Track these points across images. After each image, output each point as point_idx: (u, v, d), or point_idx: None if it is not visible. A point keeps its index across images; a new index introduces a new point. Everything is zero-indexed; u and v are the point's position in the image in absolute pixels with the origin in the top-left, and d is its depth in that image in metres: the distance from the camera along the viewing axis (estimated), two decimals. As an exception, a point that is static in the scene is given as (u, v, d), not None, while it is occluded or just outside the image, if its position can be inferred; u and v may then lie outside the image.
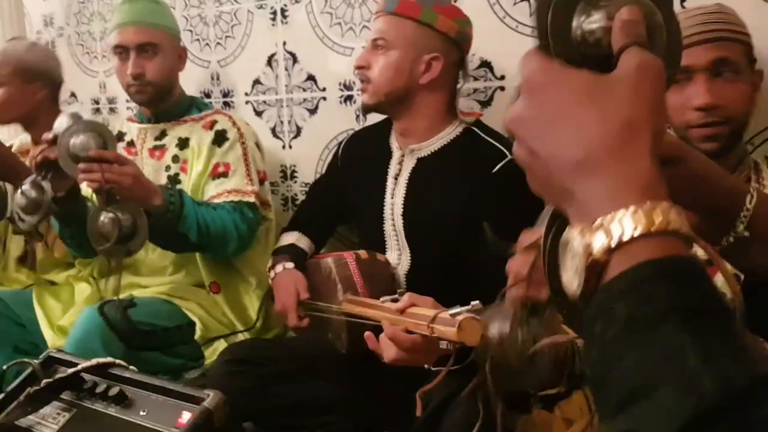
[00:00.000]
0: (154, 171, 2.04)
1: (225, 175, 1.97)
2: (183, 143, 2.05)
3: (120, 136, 2.15)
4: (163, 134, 2.09)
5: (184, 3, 2.53)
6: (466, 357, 1.16)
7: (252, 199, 1.94)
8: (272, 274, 1.73)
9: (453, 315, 1.10)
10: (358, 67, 1.63)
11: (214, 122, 2.06)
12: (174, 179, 2.03)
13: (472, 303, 1.11)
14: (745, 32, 1.33)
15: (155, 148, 2.09)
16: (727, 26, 1.30)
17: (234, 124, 2.06)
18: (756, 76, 1.36)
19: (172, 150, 2.06)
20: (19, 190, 1.71)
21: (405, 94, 1.59)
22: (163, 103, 2.08)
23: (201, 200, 1.94)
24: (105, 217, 1.63)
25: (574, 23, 0.56)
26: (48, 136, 1.70)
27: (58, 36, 3.03)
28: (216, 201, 1.92)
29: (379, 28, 1.59)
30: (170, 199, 1.77)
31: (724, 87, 1.28)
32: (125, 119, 2.25)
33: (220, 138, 2.02)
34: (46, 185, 1.70)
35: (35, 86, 2.31)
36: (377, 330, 1.31)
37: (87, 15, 2.89)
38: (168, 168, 2.05)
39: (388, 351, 1.22)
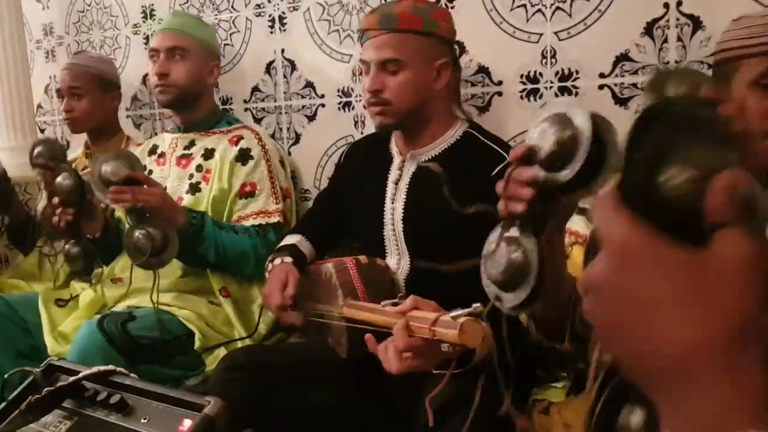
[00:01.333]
0: (178, 178, 2.13)
1: (252, 194, 2.05)
2: (208, 154, 2.12)
3: (154, 149, 2.27)
4: (192, 144, 2.18)
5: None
6: (468, 361, 1.17)
7: (277, 218, 2.03)
8: (270, 266, 1.73)
9: (454, 317, 1.10)
10: (373, 92, 1.58)
11: (240, 138, 2.12)
12: (195, 187, 2.09)
13: (474, 305, 1.12)
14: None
15: (183, 156, 2.17)
16: None
17: (260, 141, 2.12)
18: None
19: (198, 159, 2.13)
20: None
21: (423, 106, 1.59)
22: (190, 112, 2.18)
23: (225, 223, 2.01)
24: (138, 233, 1.78)
25: (662, 177, 0.45)
26: (56, 200, 1.96)
27: (58, 45, 3.04)
28: (243, 223, 2.02)
29: (383, 48, 1.55)
30: (192, 220, 1.88)
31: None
32: (161, 132, 2.36)
33: (244, 156, 2.08)
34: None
35: (111, 95, 2.54)
36: (378, 335, 1.32)
37: (87, 24, 2.90)
38: (191, 176, 2.12)
39: (393, 357, 1.23)
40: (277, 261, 1.72)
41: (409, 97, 1.57)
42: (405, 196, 1.63)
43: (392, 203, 1.64)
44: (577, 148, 0.85)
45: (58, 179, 1.98)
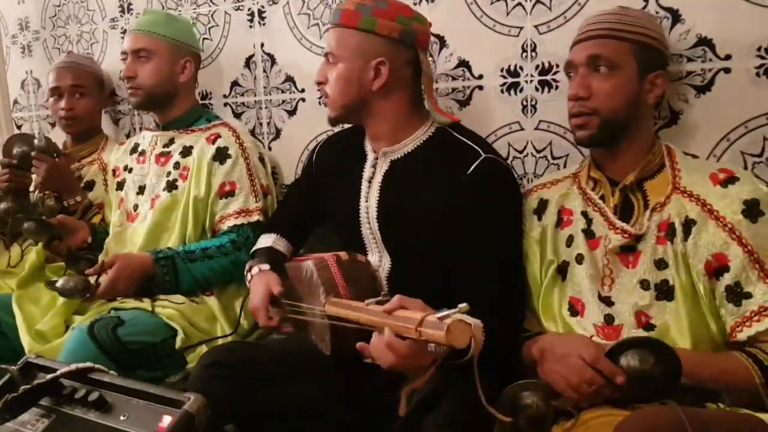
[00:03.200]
0: (156, 176, 2.15)
1: (232, 194, 2.06)
2: (186, 151, 2.13)
3: (135, 147, 2.29)
4: (171, 142, 2.19)
5: (160, 5, 2.52)
6: (458, 356, 1.17)
7: (256, 217, 2.04)
8: (249, 276, 1.72)
9: (441, 318, 1.09)
10: (318, 83, 1.63)
11: (217, 136, 2.11)
12: (172, 185, 2.10)
13: (459, 306, 1.11)
14: (636, 31, 1.43)
15: (162, 154, 2.18)
16: (610, 24, 1.44)
17: (237, 138, 2.11)
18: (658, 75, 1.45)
19: (176, 157, 2.14)
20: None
21: (360, 103, 1.58)
22: (166, 111, 2.19)
23: (196, 250, 1.99)
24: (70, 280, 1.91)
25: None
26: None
27: (34, 39, 3.00)
28: (225, 222, 2.04)
29: (328, 42, 1.59)
30: (163, 270, 1.94)
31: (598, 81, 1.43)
32: (140, 128, 2.37)
33: (221, 155, 2.08)
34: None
35: (104, 96, 2.63)
36: (361, 333, 1.31)
37: (63, 18, 2.87)
38: (168, 174, 2.13)
39: (385, 357, 1.22)
40: (255, 270, 1.72)
41: (341, 91, 1.57)
42: (378, 194, 1.61)
43: (366, 201, 1.63)
44: None
45: (25, 225, 2.08)
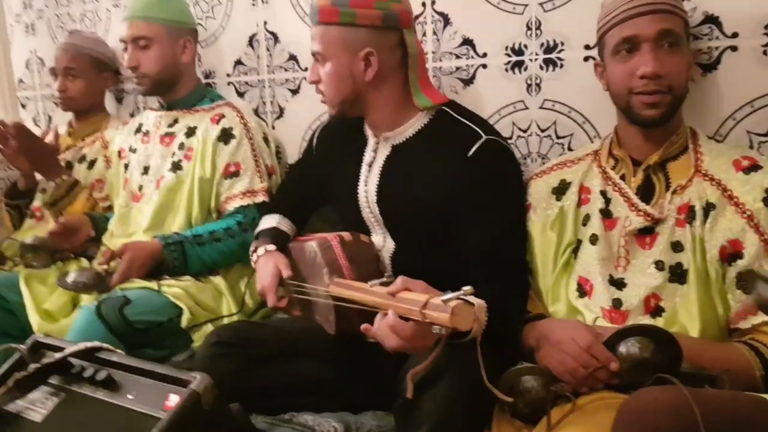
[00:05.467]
0: (161, 156, 2.15)
1: (237, 174, 2.06)
2: (190, 132, 2.13)
3: (139, 128, 2.28)
4: (175, 122, 2.19)
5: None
6: (461, 334, 1.18)
7: (262, 198, 2.04)
8: (254, 257, 1.73)
9: (445, 301, 1.10)
10: (312, 83, 1.63)
11: (221, 116, 2.11)
12: (177, 165, 2.11)
13: (464, 288, 1.12)
14: (683, 7, 1.41)
15: (166, 134, 2.18)
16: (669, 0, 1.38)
17: (242, 119, 2.11)
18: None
19: (180, 137, 2.14)
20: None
21: (357, 96, 1.57)
22: (172, 93, 2.18)
23: (204, 233, 2.01)
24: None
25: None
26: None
27: (38, 18, 2.99)
28: (231, 203, 2.04)
29: (312, 41, 1.58)
30: (173, 255, 1.96)
31: (668, 57, 1.37)
32: (144, 108, 2.35)
33: (226, 135, 2.08)
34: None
35: (104, 76, 2.60)
36: (365, 314, 1.32)
37: (66, -4, 2.86)
38: (173, 155, 2.13)
39: (389, 339, 1.23)
40: (261, 251, 1.72)
41: (335, 88, 1.57)
42: (378, 179, 1.61)
43: (366, 186, 1.63)
44: None
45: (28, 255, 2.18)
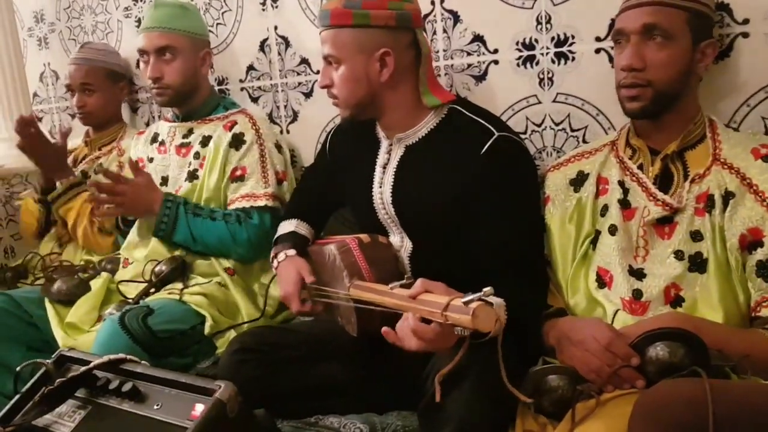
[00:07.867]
0: (178, 167, 2.18)
1: (242, 178, 2.07)
2: (205, 141, 2.14)
3: (155, 137, 2.29)
4: (190, 132, 2.20)
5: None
6: (482, 334, 1.17)
7: (262, 203, 2.03)
8: (275, 263, 1.73)
9: (466, 303, 1.10)
10: (323, 87, 1.61)
11: (234, 123, 2.13)
12: (193, 175, 2.12)
13: (484, 289, 1.12)
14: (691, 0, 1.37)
15: (182, 145, 2.19)
16: None
17: (254, 125, 2.12)
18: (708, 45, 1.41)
19: (196, 147, 2.15)
20: None
21: (372, 97, 1.56)
22: (188, 104, 2.19)
23: (205, 208, 2.04)
24: None
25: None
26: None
27: (50, 32, 3.02)
28: (231, 206, 2.05)
29: (324, 44, 1.56)
30: (165, 212, 2.00)
31: (653, 51, 1.37)
32: (161, 120, 2.34)
33: (237, 141, 2.09)
34: None
35: (119, 86, 2.63)
36: (387, 315, 1.32)
37: (77, 9, 2.88)
38: (189, 164, 2.14)
39: (410, 341, 1.23)
40: (281, 256, 1.72)
41: (351, 91, 1.56)
42: (393, 180, 1.61)
43: (380, 187, 1.63)
44: None
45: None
